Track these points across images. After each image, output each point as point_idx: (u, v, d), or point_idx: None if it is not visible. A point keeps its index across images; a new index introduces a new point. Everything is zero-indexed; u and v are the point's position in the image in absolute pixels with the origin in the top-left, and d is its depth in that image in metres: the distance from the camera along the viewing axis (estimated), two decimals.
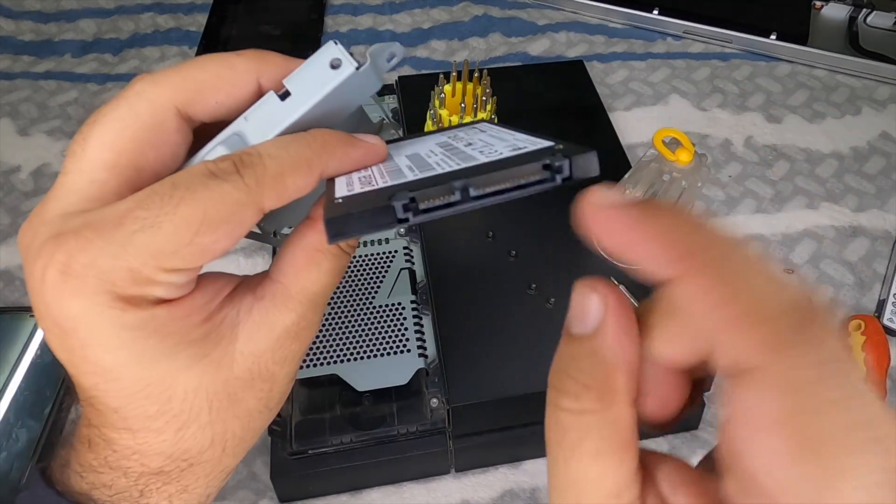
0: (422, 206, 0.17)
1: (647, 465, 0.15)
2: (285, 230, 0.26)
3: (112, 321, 0.19)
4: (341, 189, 0.20)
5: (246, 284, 0.23)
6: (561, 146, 0.17)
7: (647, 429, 0.16)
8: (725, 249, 0.13)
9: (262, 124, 0.22)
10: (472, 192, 0.17)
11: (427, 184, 0.17)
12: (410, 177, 0.19)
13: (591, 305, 0.15)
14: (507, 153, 0.18)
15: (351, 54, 0.22)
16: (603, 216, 0.14)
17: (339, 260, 0.23)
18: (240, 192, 0.19)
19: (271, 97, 0.22)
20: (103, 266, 0.19)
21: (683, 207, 0.14)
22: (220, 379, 0.21)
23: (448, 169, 0.18)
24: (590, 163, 0.17)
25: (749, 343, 0.12)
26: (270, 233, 0.27)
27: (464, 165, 0.18)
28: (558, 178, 0.17)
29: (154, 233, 0.19)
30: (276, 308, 0.22)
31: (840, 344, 0.12)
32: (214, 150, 0.22)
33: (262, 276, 0.23)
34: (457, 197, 0.17)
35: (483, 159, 0.18)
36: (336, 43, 0.22)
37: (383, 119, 0.53)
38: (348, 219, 0.17)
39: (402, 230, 0.46)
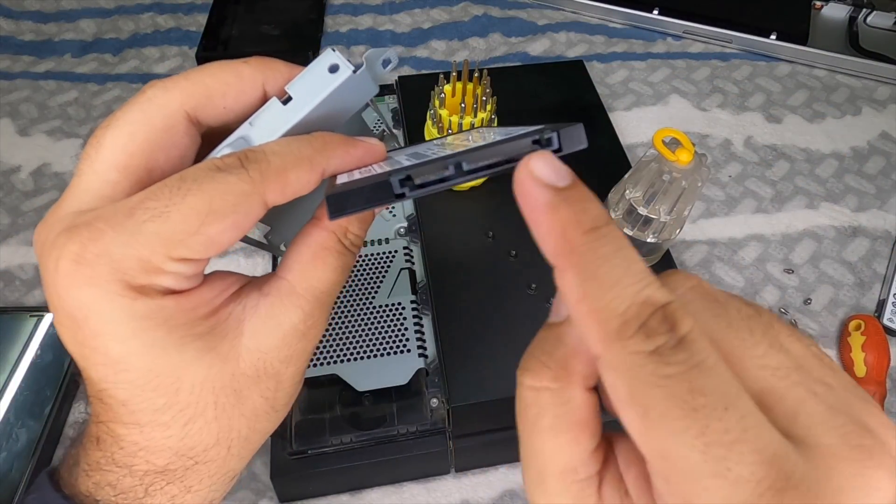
0: (417, 181, 0.18)
1: (611, 444, 0.16)
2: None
3: (122, 310, 0.20)
4: (342, 179, 0.21)
5: (253, 283, 0.24)
6: (551, 126, 0.18)
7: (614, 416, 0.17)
8: (600, 250, 0.14)
9: (267, 128, 0.23)
10: (465, 167, 0.17)
11: (423, 164, 0.18)
12: (408, 164, 0.19)
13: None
14: (500, 137, 0.19)
15: (348, 60, 0.23)
16: (528, 184, 0.15)
17: (344, 257, 0.23)
18: (245, 183, 0.20)
19: (274, 103, 0.23)
20: (115, 255, 0.19)
21: (590, 204, 0.14)
22: (226, 373, 0.22)
23: (444, 154, 0.19)
24: (577, 134, 0.18)
25: (593, 335, 0.14)
26: (277, 245, 0.27)
27: (459, 150, 0.19)
28: (548, 151, 0.17)
29: (163, 222, 0.19)
30: (282, 305, 0.23)
31: (680, 334, 0.13)
32: (222, 151, 0.23)
33: (269, 276, 0.24)
34: (450, 171, 0.18)
35: (477, 145, 0.19)
36: (334, 49, 0.23)
37: (384, 130, 0.53)
38: (348, 195, 0.18)
39: (402, 230, 0.46)
